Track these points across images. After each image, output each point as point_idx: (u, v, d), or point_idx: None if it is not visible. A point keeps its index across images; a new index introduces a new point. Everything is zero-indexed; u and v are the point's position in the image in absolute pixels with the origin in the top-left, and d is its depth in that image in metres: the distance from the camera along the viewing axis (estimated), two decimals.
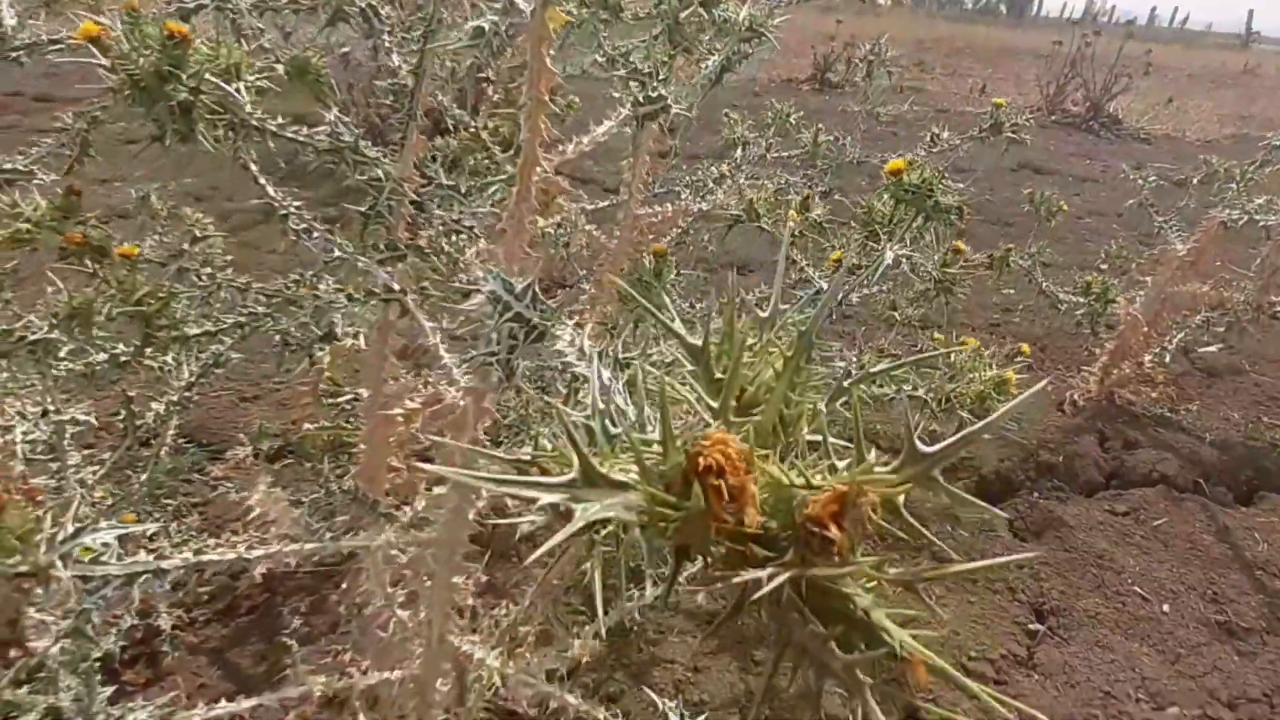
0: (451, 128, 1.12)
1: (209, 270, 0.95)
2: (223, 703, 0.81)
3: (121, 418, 1.21)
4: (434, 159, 0.93)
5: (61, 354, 1.00)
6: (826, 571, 0.22)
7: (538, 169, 0.58)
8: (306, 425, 1.19)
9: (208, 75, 0.56)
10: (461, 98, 1.42)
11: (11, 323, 0.81)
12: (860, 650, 0.24)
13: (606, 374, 0.33)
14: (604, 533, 0.26)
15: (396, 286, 0.73)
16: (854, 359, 0.89)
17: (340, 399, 1.35)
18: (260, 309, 1.03)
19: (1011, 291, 3.01)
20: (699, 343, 0.27)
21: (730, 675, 1.39)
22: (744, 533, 0.23)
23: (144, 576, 0.53)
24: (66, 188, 0.85)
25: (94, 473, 1.11)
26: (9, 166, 1.05)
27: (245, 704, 0.82)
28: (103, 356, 1.09)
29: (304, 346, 1.04)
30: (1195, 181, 2.39)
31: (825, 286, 0.48)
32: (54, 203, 0.83)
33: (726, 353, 0.28)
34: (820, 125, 1.84)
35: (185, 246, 0.94)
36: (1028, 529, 1.88)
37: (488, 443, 0.74)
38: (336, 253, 0.82)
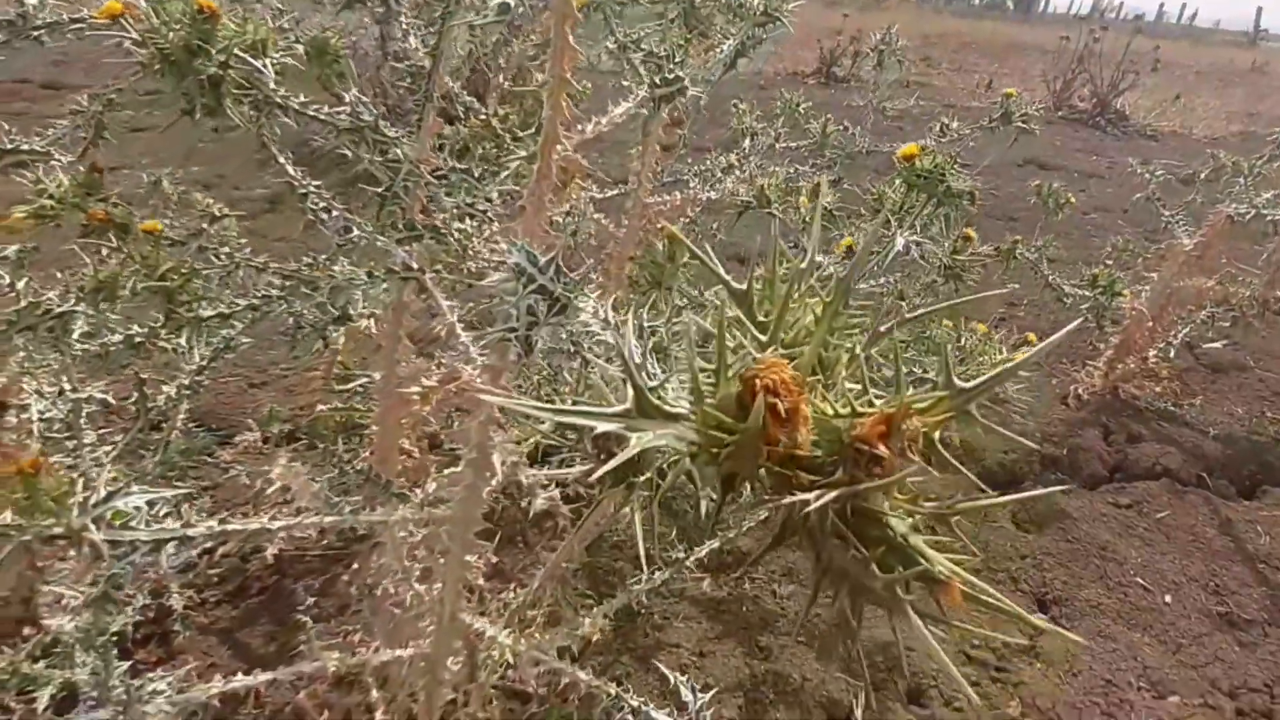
0: (461, 115, 1.13)
1: (227, 250, 0.95)
2: (239, 676, 0.82)
3: (133, 400, 1.22)
4: (441, 147, 0.94)
5: (76, 334, 1.01)
6: (875, 484, 0.23)
7: (558, 147, 0.59)
8: (320, 406, 1.20)
9: (236, 51, 0.57)
10: (471, 84, 1.42)
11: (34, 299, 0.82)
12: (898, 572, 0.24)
13: (635, 340, 0.34)
14: (642, 479, 0.26)
15: (415, 265, 0.74)
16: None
17: (351, 384, 1.36)
18: (274, 291, 1.04)
19: (1017, 286, 3.02)
20: (743, 288, 0.28)
21: (735, 660, 1.40)
22: (792, 457, 0.23)
23: (171, 543, 0.54)
24: (89, 165, 0.85)
25: (107, 453, 1.12)
26: (27, 148, 1.06)
27: (261, 677, 0.84)
28: (118, 337, 1.10)
29: (318, 328, 1.05)
30: (1202, 176, 2.39)
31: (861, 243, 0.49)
32: (76, 180, 0.84)
33: (767, 298, 0.29)
34: (829, 116, 1.84)
35: (204, 226, 0.95)
36: (1031, 520, 1.89)
37: (502, 420, 0.75)
38: (355, 232, 0.83)
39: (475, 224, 0.89)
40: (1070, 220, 3.16)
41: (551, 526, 1.57)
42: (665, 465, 0.27)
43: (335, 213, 0.74)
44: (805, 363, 0.26)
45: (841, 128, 1.70)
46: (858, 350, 0.27)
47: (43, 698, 0.97)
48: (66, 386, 0.99)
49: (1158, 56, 8.66)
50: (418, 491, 0.90)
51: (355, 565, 1.18)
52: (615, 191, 1.69)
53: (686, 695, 0.71)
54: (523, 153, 1.00)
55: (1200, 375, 2.59)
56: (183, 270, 0.85)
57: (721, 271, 0.28)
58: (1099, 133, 6.30)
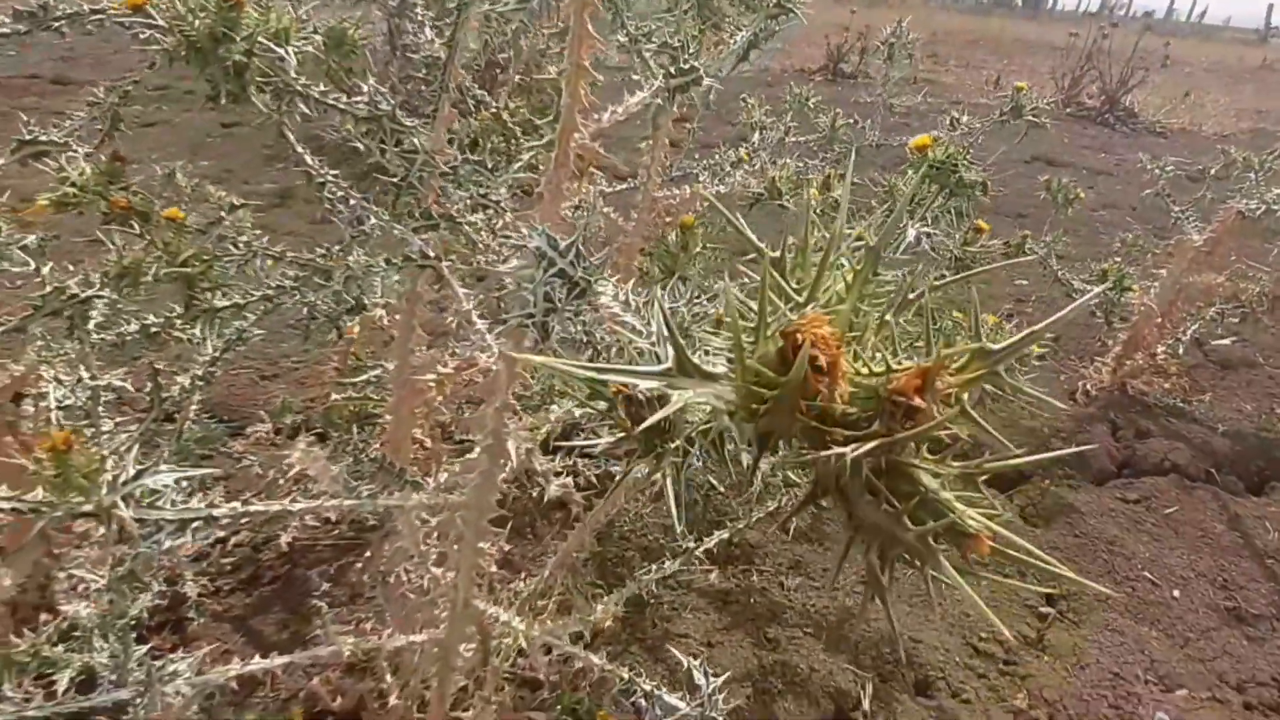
0: (472, 108, 1.13)
1: (245, 239, 0.97)
2: (256, 658, 0.83)
3: (147, 391, 1.23)
4: (451, 141, 0.95)
5: (93, 324, 1.02)
6: (913, 432, 0.23)
7: (575, 135, 0.59)
8: (334, 396, 1.21)
9: (260, 38, 0.58)
10: (482, 78, 1.43)
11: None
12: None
13: (660, 318, 0.35)
14: (673, 446, 0.27)
15: (432, 253, 0.75)
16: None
17: (362, 376, 1.38)
18: (288, 282, 1.05)
19: (1025, 282, 3.02)
20: (777, 254, 0.28)
21: (744, 650, 1.41)
22: (827, 414, 0.24)
23: (195, 522, 0.55)
24: (111, 153, 0.86)
25: (124, 441, 1.13)
26: (45, 138, 1.07)
27: (278, 661, 0.85)
28: (134, 327, 1.11)
29: (332, 318, 1.06)
30: (1212, 173, 2.38)
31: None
32: (98, 168, 0.85)
33: (800, 265, 0.30)
34: (838, 110, 1.85)
35: (223, 215, 0.96)
36: (1038, 515, 1.89)
37: (518, 407, 0.76)
38: (370, 222, 0.84)
39: (487, 216, 0.89)
40: (1079, 217, 3.15)
41: (561, 518, 1.58)
42: (693, 434, 0.28)
43: (353, 201, 0.74)
44: (839, 325, 0.27)
45: (852, 121, 1.70)
46: (887, 317, 0.28)
47: (62, 680, 0.99)
48: (85, 375, 1.00)
49: (1167, 53, 8.61)
50: (430, 480, 0.91)
51: (368, 553, 1.19)
52: (624, 186, 1.70)
53: (699, 678, 0.72)
54: (535, 145, 1.01)
55: (1209, 372, 2.58)
56: (204, 257, 0.86)
57: (753, 237, 0.29)
58: (1107, 130, 6.27)
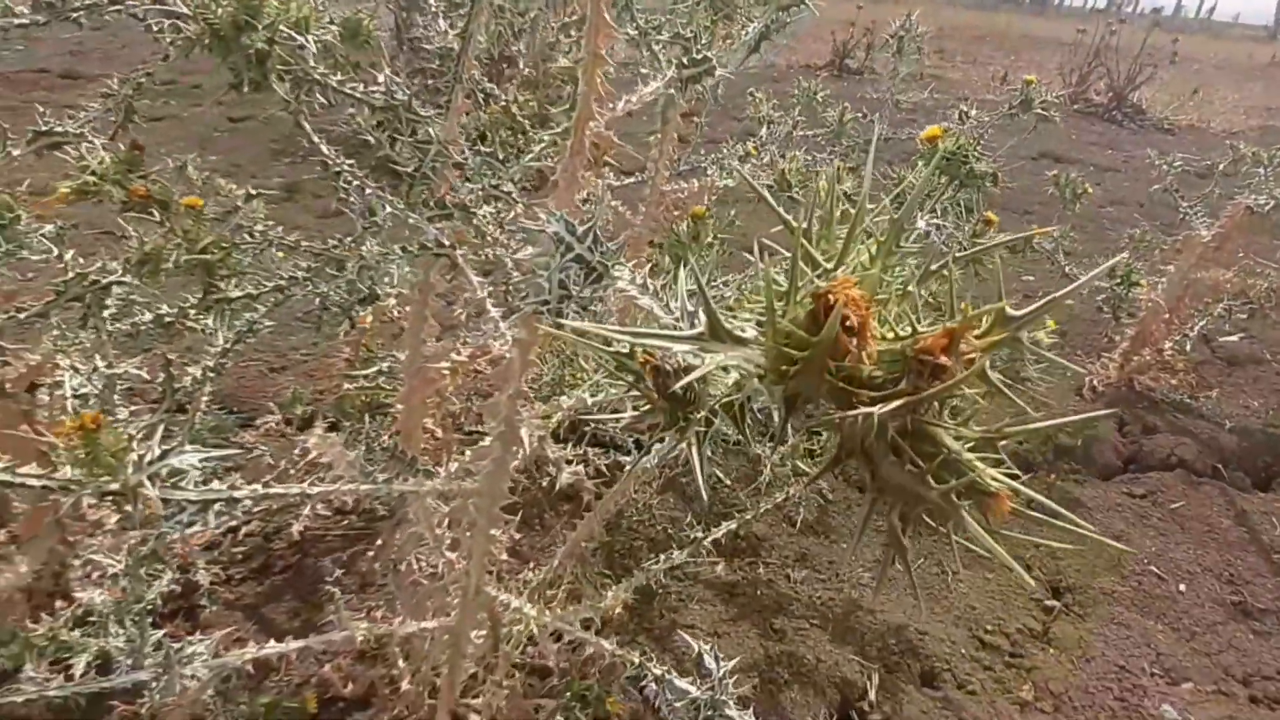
0: (482, 101, 1.14)
1: (260, 229, 0.98)
2: (271, 643, 0.84)
3: (159, 381, 1.25)
4: (461, 134, 0.95)
5: (108, 313, 1.03)
6: (939, 389, 0.24)
7: (590, 124, 0.60)
8: (346, 385, 1.22)
9: (281, 27, 0.59)
10: (490, 71, 1.44)
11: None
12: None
13: (694, 285, 0.35)
14: (698, 416, 0.28)
15: (446, 242, 0.76)
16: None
17: (372, 368, 1.39)
18: (300, 273, 1.06)
19: (1032, 278, 3.01)
20: (805, 225, 0.29)
21: (750, 641, 1.42)
22: (855, 377, 0.25)
23: (217, 503, 0.56)
24: (130, 143, 0.87)
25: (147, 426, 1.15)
26: (61, 129, 1.08)
27: (292, 645, 0.86)
28: (148, 317, 1.13)
29: (344, 309, 1.07)
30: (1220, 169, 2.38)
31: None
32: (118, 157, 0.86)
33: (825, 236, 0.30)
34: (845, 105, 1.85)
35: (239, 205, 0.98)
36: (1044, 510, 1.89)
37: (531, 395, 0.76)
38: (383, 212, 0.85)
39: (496, 208, 0.90)
40: (1086, 212, 3.15)
41: (569, 509, 1.59)
42: (717, 406, 0.29)
43: (369, 191, 0.75)
44: (867, 290, 0.28)
45: (860, 114, 1.70)
46: (910, 287, 0.29)
47: (79, 664, 1.00)
48: (100, 363, 1.01)
49: (1175, 50, 8.56)
50: (441, 469, 0.92)
51: (379, 542, 1.20)
52: (631, 180, 1.70)
53: (709, 662, 0.73)
54: (545, 137, 1.02)
55: (1216, 368, 2.58)
56: (222, 245, 0.87)
57: (779, 209, 0.30)
58: (1115, 126, 6.25)
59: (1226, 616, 1.60)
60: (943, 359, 0.24)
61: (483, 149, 0.95)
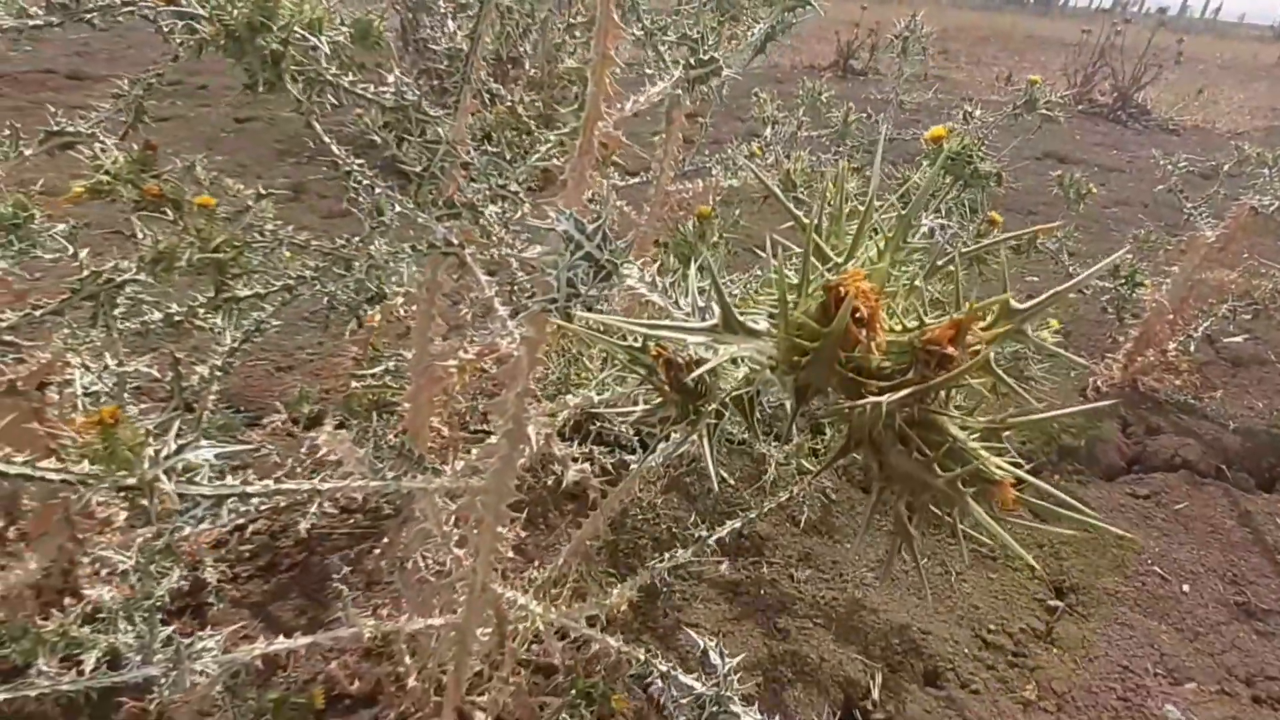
0: (488, 101, 1.15)
1: (270, 228, 0.98)
2: (280, 639, 0.85)
3: (167, 380, 1.26)
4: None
5: (118, 311, 1.04)
6: (946, 378, 0.25)
7: (599, 123, 0.61)
8: (354, 384, 1.23)
9: (295, 28, 0.59)
10: (496, 72, 1.44)
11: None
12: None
13: (708, 280, 0.35)
14: (710, 407, 0.29)
15: (455, 241, 0.77)
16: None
17: (379, 367, 1.40)
18: (308, 272, 1.07)
19: (1036, 279, 3.01)
20: (814, 221, 0.30)
21: (754, 640, 1.42)
22: (864, 367, 0.25)
23: (231, 498, 0.57)
24: (144, 142, 0.88)
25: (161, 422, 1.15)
26: (72, 130, 1.09)
27: (301, 641, 0.87)
28: (158, 316, 1.14)
29: (352, 307, 1.08)
30: (1225, 169, 2.37)
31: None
32: (131, 156, 0.87)
33: (835, 232, 0.31)
34: (850, 105, 1.85)
35: (250, 204, 0.98)
36: (1048, 510, 1.89)
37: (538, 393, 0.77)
38: (390, 212, 0.86)
39: (502, 208, 0.91)
40: (1090, 213, 3.15)
41: (574, 508, 1.59)
42: (727, 399, 0.29)
43: (378, 190, 0.76)
44: (876, 283, 0.29)
45: (865, 115, 1.71)
46: (917, 282, 0.30)
47: (89, 660, 1.01)
48: (111, 361, 1.02)
49: (1181, 50, 8.54)
50: (447, 467, 0.92)
51: (386, 539, 1.21)
52: (636, 180, 1.71)
53: (715, 658, 0.73)
54: (551, 137, 1.02)
55: (1221, 369, 2.58)
56: (235, 243, 0.88)
57: (790, 205, 0.30)
58: (1120, 127, 6.24)
59: (1230, 617, 1.60)
60: (949, 349, 0.24)
61: (489, 149, 0.96)
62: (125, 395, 1.06)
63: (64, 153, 1.09)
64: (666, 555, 1.21)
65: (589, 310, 0.53)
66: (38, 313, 0.83)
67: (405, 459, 0.93)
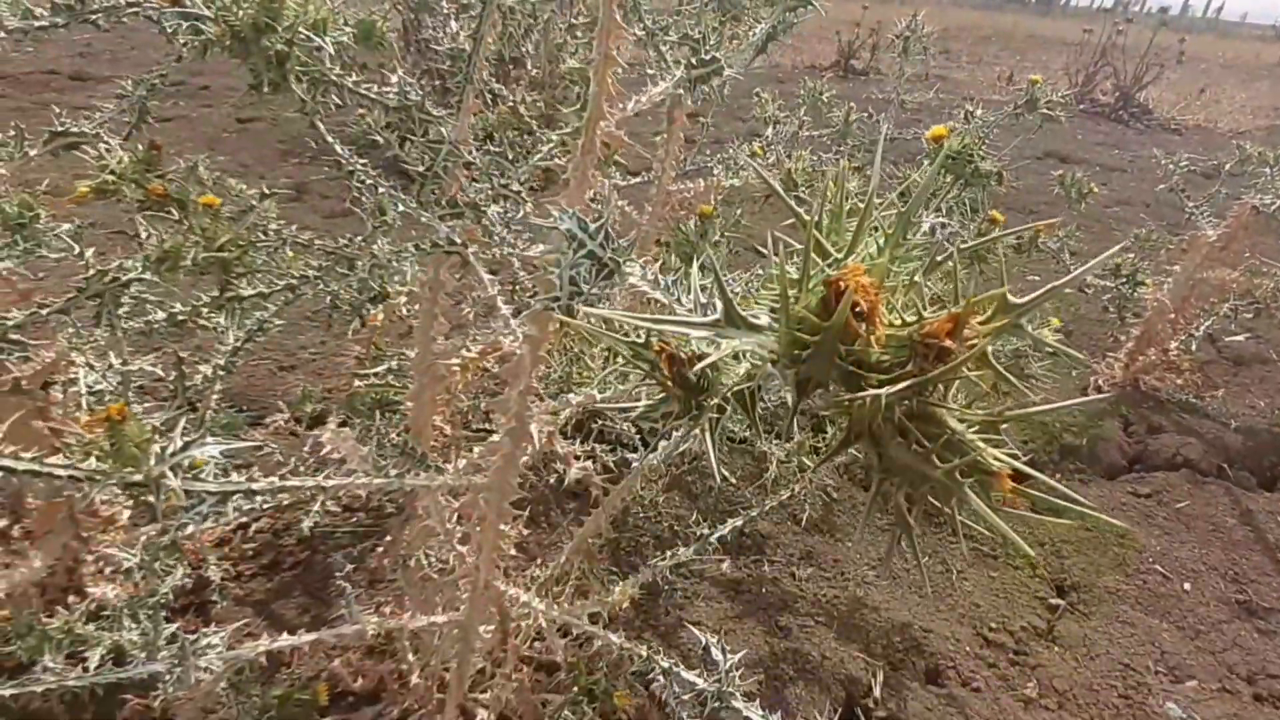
0: (490, 101, 1.15)
1: (274, 227, 0.99)
2: (284, 635, 0.86)
3: (171, 380, 1.26)
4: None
5: (123, 310, 1.05)
6: (944, 369, 0.25)
7: (601, 123, 0.61)
8: (356, 383, 1.24)
9: (300, 29, 0.60)
10: (498, 73, 1.45)
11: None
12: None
13: (709, 276, 0.36)
14: (713, 402, 0.29)
15: (458, 240, 0.77)
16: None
17: (382, 366, 1.40)
18: (311, 272, 1.07)
19: (1037, 278, 3.01)
20: (815, 219, 0.30)
21: (756, 638, 1.42)
22: (864, 361, 0.26)
23: (236, 495, 0.57)
24: (149, 142, 0.89)
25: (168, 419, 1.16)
26: (77, 130, 1.10)
27: (305, 637, 0.87)
28: (162, 315, 1.14)
29: (355, 307, 1.08)
30: (1227, 168, 2.37)
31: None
32: (137, 156, 0.88)
33: (835, 230, 0.31)
34: (851, 105, 1.85)
35: (254, 203, 0.99)
36: (1049, 508, 1.90)
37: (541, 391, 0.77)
38: (393, 211, 0.86)
39: (504, 208, 0.91)
40: (1092, 212, 3.15)
41: (575, 506, 1.60)
42: (729, 394, 0.30)
43: (382, 190, 0.76)
44: (876, 278, 0.29)
45: (866, 115, 1.71)
46: (916, 277, 0.30)
47: (94, 657, 1.02)
48: (115, 360, 1.02)
49: (1182, 49, 8.54)
50: (450, 466, 0.93)
51: (389, 537, 1.21)
52: (638, 180, 1.71)
53: (717, 655, 0.74)
54: (553, 137, 1.03)
55: (1222, 368, 2.58)
56: (239, 242, 0.88)
57: (791, 201, 0.31)
58: (1121, 126, 6.24)
59: (1231, 615, 1.60)
60: (947, 342, 0.25)
61: (492, 149, 0.96)
62: (129, 394, 1.07)
63: (68, 153, 1.09)
64: (668, 553, 1.21)
65: (593, 308, 0.53)
66: (43, 312, 0.84)
67: (408, 457, 0.93)
